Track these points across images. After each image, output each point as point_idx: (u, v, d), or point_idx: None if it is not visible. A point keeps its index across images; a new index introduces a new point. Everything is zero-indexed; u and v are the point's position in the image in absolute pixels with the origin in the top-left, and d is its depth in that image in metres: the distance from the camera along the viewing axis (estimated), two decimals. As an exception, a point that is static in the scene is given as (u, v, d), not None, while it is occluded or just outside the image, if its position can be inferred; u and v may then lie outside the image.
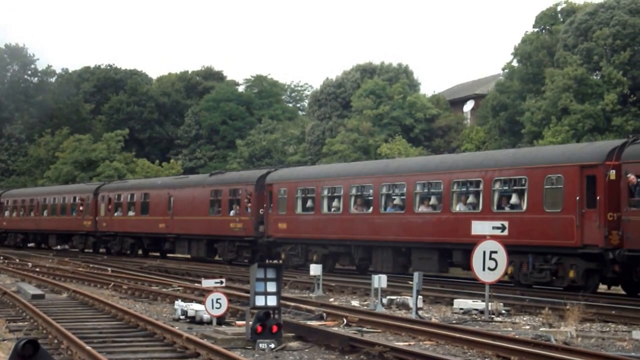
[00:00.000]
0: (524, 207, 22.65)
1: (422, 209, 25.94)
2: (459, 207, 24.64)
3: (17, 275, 28.66)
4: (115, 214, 42.94)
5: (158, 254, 41.82)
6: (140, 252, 43.00)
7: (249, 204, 33.09)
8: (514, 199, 23.08)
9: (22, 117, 73.78)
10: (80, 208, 45.93)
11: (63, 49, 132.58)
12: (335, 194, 29.43)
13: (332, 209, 29.48)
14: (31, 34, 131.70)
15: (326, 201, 29.72)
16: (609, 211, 20.72)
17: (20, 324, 16.08)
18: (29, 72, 77.20)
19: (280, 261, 30.90)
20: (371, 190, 27.83)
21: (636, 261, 20.38)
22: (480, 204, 23.82)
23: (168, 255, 41.38)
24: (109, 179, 52.90)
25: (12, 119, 73.19)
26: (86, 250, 46.75)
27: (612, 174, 20.72)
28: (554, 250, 21.97)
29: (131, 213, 41.65)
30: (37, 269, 31.64)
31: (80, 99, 74.21)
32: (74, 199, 47.01)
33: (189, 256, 38.78)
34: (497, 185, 23.50)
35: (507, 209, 23.09)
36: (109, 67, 79.66)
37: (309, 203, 30.46)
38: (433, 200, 25.63)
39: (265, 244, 32.54)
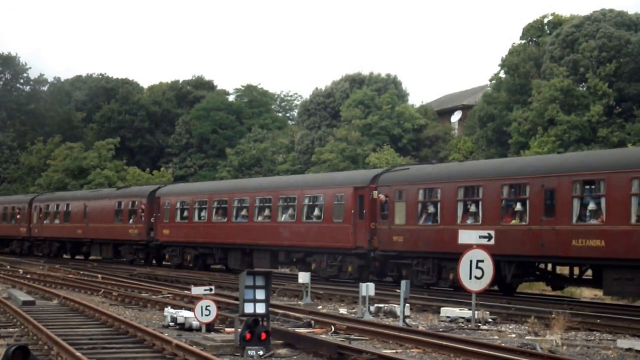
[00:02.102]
0: (322, 217, 29.22)
1: (260, 219, 32.29)
2: (283, 218, 31.11)
3: (8, 282, 28.65)
4: (45, 222, 48.61)
5: (82, 257, 47.13)
6: (68, 255, 48.05)
7: (143, 214, 39.10)
8: (316, 212, 29.72)
9: (14, 126, 73.72)
10: (18, 216, 51.83)
11: (55, 58, 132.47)
12: (203, 206, 35.73)
13: (201, 219, 35.74)
14: (24, 43, 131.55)
15: (197, 212, 36.09)
16: (372, 222, 27.29)
17: (11, 330, 16.15)
18: (22, 81, 77.19)
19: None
20: (226, 203, 34.21)
21: (386, 259, 27.12)
22: (295, 215, 30.48)
23: (87, 258, 46.71)
24: (99, 188, 53.23)
25: (4, 127, 73.14)
26: (23, 254, 51.39)
27: (375, 194, 27.12)
28: (339, 252, 28.71)
29: (57, 221, 47.46)
30: (28, 276, 31.63)
31: (72, 108, 74.20)
32: (14, 208, 52.89)
33: (100, 258, 44.65)
34: (307, 201, 30.12)
35: (314, 219, 29.63)
36: (101, 77, 79.68)
37: (185, 213, 36.84)
38: (267, 212, 32.10)
39: (155, 247, 39.01)
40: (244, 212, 33.21)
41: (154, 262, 40.43)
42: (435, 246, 24.82)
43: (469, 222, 23.84)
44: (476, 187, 23.90)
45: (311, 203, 30.00)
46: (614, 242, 19.96)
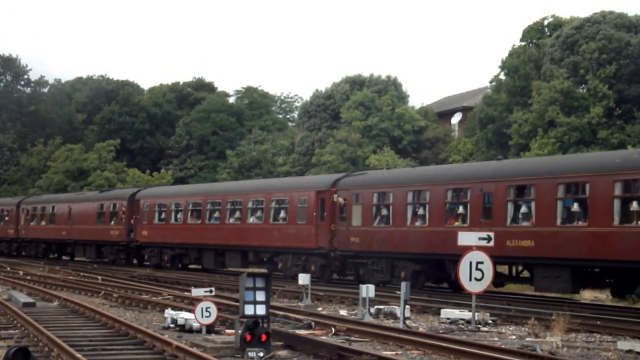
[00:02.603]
0: (287, 219, 30.90)
1: (231, 220, 34.06)
2: (252, 220, 32.90)
3: (8, 284, 28.67)
4: (32, 224, 50.36)
5: (68, 257, 48.41)
6: (54, 255, 49.74)
7: (124, 216, 40.84)
8: (282, 214, 31.40)
9: (15, 127, 73.75)
10: (6, 218, 53.37)
11: (56, 59, 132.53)
12: (179, 209, 37.35)
13: (177, 220, 37.39)
14: (24, 45, 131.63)
15: (173, 214, 37.73)
16: (332, 223, 29.07)
17: (11, 331, 16.16)
18: (22, 83, 77.21)
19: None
20: (200, 206, 36.04)
21: (345, 258, 28.98)
22: (263, 217, 32.25)
23: (70, 258, 48.04)
24: (98, 188, 53.22)
25: (5, 129, 73.15)
26: (13, 254, 53.19)
27: (335, 197, 28.92)
28: (302, 251, 30.36)
29: (43, 223, 49.16)
30: (28, 277, 31.66)
31: (73, 109, 74.20)
32: (2, 210, 54.42)
33: (83, 259, 46.06)
34: (273, 204, 31.99)
35: (280, 221, 31.25)
36: (101, 78, 79.69)
37: (162, 215, 38.46)
38: (237, 214, 33.82)
39: (134, 247, 40.73)
40: (216, 214, 34.95)
41: (135, 262, 42.53)
42: (387, 246, 26.68)
43: (417, 223, 25.73)
44: (423, 191, 25.79)
45: (277, 206, 31.76)
46: (542, 242, 21.74)
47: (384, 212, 27.12)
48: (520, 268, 24.65)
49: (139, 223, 39.81)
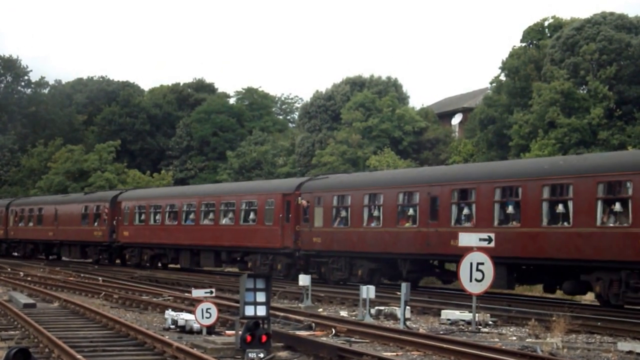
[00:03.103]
0: (256, 221, 32.49)
1: (205, 222, 35.74)
2: (224, 221, 34.58)
3: (8, 284, 28.70)
4: (20, 225, 52.23)
5: (56, 256, 49.90)
6: (44, 255, 51.07)
7: (106, 217, 42.46)
8: (251, 215, 33.11)
9: (15, 128, 73.71)
10: None
11: (56, 60, 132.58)
12: (158, 210, 39.09)
13: (155, 221, 39.14)
14: (24, 46, 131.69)
15: (152, 215, 39.47)
16: (297, 224, 30.70)
17: (12, 332, 16.18)
18: (22, 84, 77.15)
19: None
20: (177, 207, 37.78)
21: (308, 257, 30.24)
22: (234, 218, 33.98)
23: (54, 258, 49.71)
24: (98, 189, 53.29)
25: (5, 130, 73.12)
26: (2, 254, 54.38)
27: (299, 200, 30.53)
28: (270, 251, 32.03)
29: (31, 224, 51.02)
30: (29, 278, 31.68)
31: (73, 110, 74.16)
32: None
33: (69, 259, 47.72)
34: (244, 206, 33.53)
35: (250, 222, 32.86)
36: (101, 79, 79.65)
37: (142, 217, 40.17)
38: (211, 216, 35.43)
39: (116, 247, 42.51)
40: (192, 216, 36.77)
41: (118, 261, 44.02)
42: (346, 246, 28.56)
43: (373, 224, 27.53)
44: (378, 194, 27.62)
45: (247, 208, 33.52)
46: None
47: (343, 213, 28.88)
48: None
49: (120, 224, 41.54)
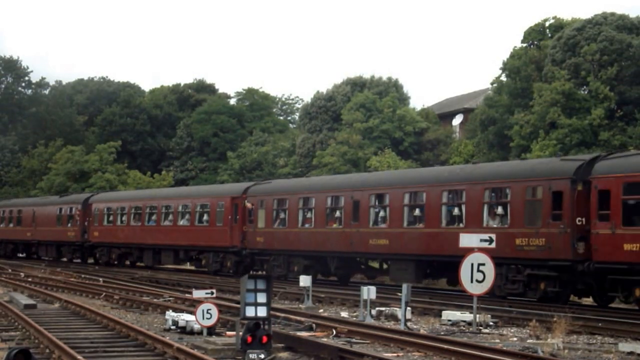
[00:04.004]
0: (209, 222, 35.50)
1: (165, 223, 38.70)
2: (181, 222, 37.44)
3: (9, 285, 28.72)
4: (1, 225, 54.79)
5: (35, 256, 51.88)
6: (23, 255, 53.50)
7: (78, 218, 45.21)
8: (205, 217, 35.92)
9: (16, 129, 73.70)
10: None
11: (57, 61, 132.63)
12: (124, 212, 41.89)
13: (122, 222, 42.02)
14: (25, 47, 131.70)
15: (119, 217, 42.26)
16: (243, 225, 33.50)
17: (13, 333, 16.20)
18: (23, 84, 77.18)
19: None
20: (140, 209, 40.65)
21: (253, 255, 33.33)
22: (190, 219, 36.79)
23: (33, 257, 51.59)
24: (99, 190, 53.31)
25: (6, 131, 73.10)
26: None
27: (245, 202, 33.46)
28: (221, 250, 34.91)
29: (11, 225, 53.75)
30: (30, 279, 31.71)
31: (74, 111, 74.11)
32: None
33: (46, 258, 49.70)
34: (198, 208, 36.52)
35: (204, 223, 35.78)
36: (102, 80, 79.60)
37: (110, 218, 43.06)
38: (170, 217, 38.44)
39: (88, 247, 45.34)
40: (153, 217, 39.70)
41: (91, 260, 46.38)
42: (284, 245, 31.38)
43: (306, 225, 30.43)
44: (310, 198, 30.58)
45: (201, 210, 36.40)
46: (394, 241, 26.57)
47: (282, 215, 31.81)
48: (380, 263, 30.10)
49: (91, 225, 44.30)
